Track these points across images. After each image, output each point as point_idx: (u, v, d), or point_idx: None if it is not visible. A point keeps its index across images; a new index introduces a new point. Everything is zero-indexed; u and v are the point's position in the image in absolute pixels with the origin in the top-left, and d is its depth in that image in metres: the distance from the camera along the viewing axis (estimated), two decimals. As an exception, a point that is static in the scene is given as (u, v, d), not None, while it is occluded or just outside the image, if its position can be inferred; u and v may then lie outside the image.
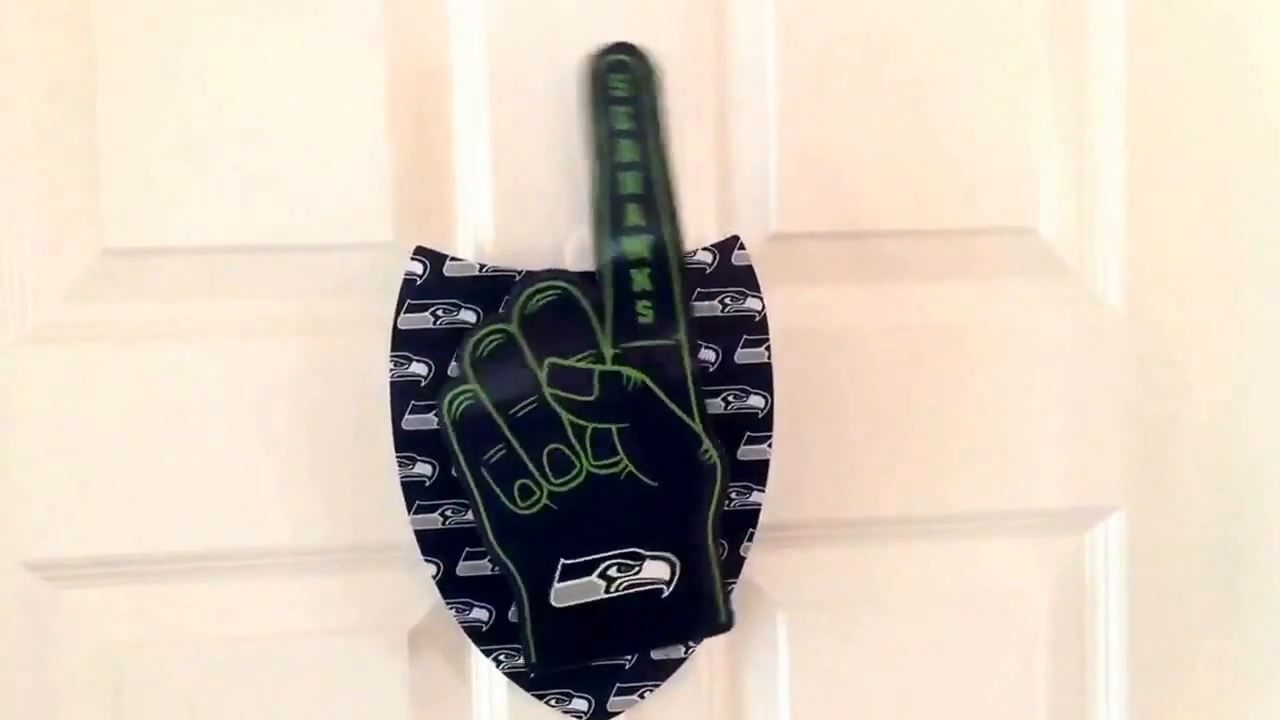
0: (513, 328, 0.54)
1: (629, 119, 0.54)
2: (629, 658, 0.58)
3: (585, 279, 0.55)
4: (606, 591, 0.55)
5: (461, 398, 0.54)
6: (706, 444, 0.55)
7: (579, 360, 0.54)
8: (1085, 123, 0.63)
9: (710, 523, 0.56)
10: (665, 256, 0.55)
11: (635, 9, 0.58)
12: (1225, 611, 0.66)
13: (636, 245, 0.55)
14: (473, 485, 0.54)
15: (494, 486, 0.54)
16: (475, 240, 0.58)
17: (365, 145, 0.57)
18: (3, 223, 0.56)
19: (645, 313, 0.55)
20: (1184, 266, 0.64)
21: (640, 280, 0.55)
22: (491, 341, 0.54)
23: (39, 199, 0.56)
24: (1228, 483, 0.65)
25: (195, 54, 0.56)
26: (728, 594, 0.57)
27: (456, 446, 0.54)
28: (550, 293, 0.54)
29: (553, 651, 0.56)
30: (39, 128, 0.56)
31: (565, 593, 0.55)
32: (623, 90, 0.54)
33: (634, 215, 0.55)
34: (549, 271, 0.55)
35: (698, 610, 0.56)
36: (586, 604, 0.55)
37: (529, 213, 0.58)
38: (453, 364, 0.55)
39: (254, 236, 0.57)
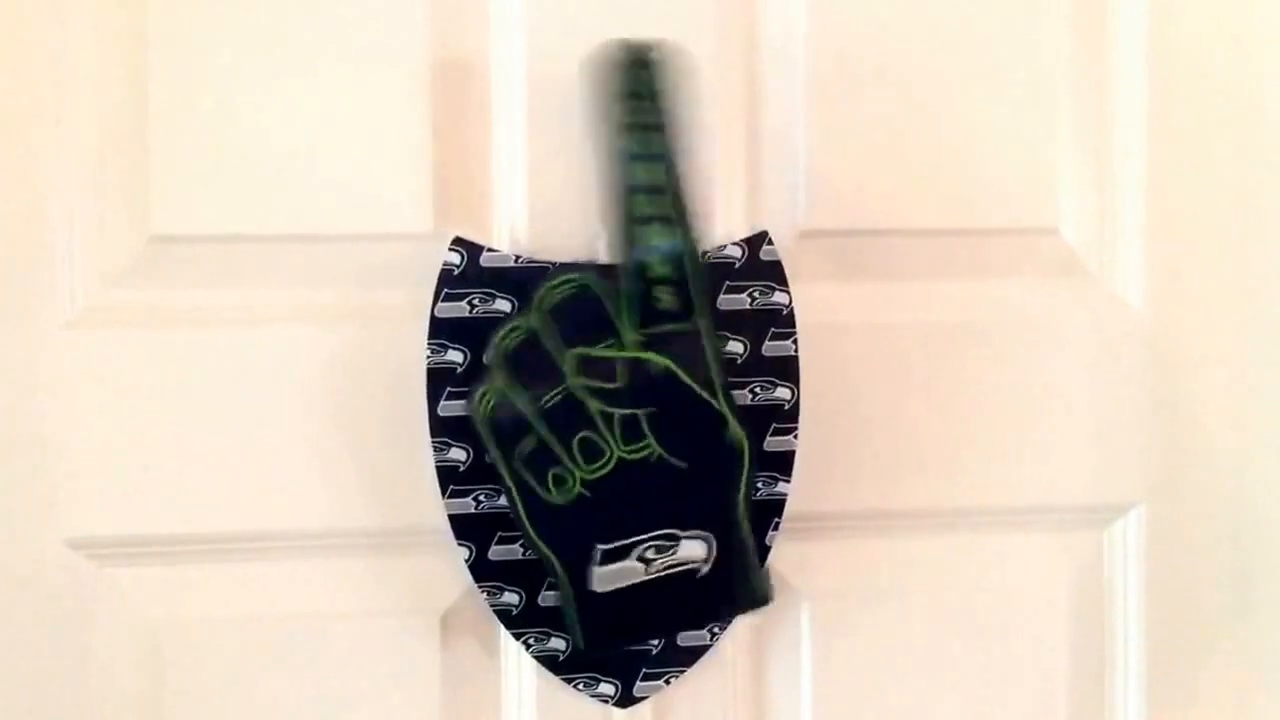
0: (535, 321, 0.55)
1: (634, 112, 0.55)
2: (656, 643, 0.59)
3: (604, 270, 0.56)
4: (646, 574, 0.56)
5: (490, 394, 0.55)
6: (732, 424, 0.56)
7: (602, 349, 0.55)
8: (1107, 125, 0.64)
9: (742, 500, 0.57)
10: (681, 243, 0.56)
11: (668, 7, 0.60)
12: (1244, 607, 0.66)
13: (653, 234, 0.55)
14: (508, 477, 0.55)
15: (528, 477, 0.55)
16: (511, 232, 0.60)
17: (407, 138, 0.59)
18: (53, 209, 0.57)
19: (664, 298, 0.56)
20: (1204, 267, 0.65)
21: (658, 267, 0.55)
22: (515, 337, 0.55)
23: (88, 186, 0.57)
24: (1246, 480, 0.66)
25: (243, 46, 0.58)
26: (765, 570, 0.58)
27: (490, 441, 0.55)
28: (568, 285, 0.56)
29: (599, 635, 0.57)
30: (90, 116, 0.57)
31: (606, 577, 0.56)
32: (626, 85, 0.55)
33: (648, 205, 0.55)
34: (567, 265, 0.57)
35: (737, 586, 0.57)
36: (628, 587, 0.56)
37: (565, 205, 0.59)
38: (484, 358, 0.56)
39: (297, 225, 0.59)
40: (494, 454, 0.55)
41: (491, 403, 0.55)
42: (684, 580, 0.57)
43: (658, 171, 0.55)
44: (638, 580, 0.56)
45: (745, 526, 0.57)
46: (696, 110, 0.57)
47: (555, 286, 0.56)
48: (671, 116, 0.56)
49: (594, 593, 0.56)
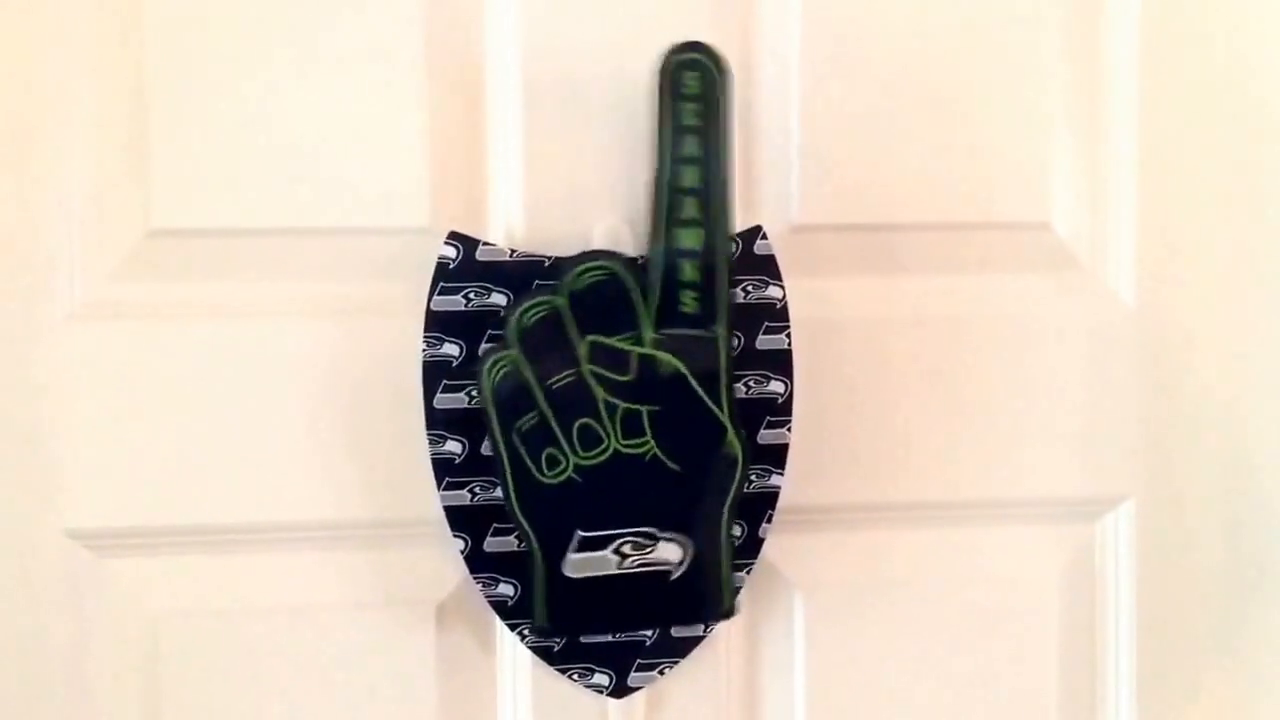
0: (560, 301, 0.56)
1: (696, 115, 0.56)
2: (649, 634, 0.60)
3: (634, 263, 0.57)
4: (619, 567, 0.57)
5: (502, 364, 0.56)
6: (731, 435, 0.57)
7: (619, 340, 0.56)
8: (1099, 120, 0.65)
9: (726, 512, 0.58)
10: (715, 251, 0.56)
11: (663, 2, 0.60)
12: (1234, 600, 0.67)
13: (689, 237, 0.56)
14: (503, 450, 0.56)
15: (523, 453, 0.56)
16: (507, 226, 0.60)
17: (404, 133, 0.59)
18: (53, 202, 0.58)
19: (689, 303, 0.56)
20: (1195, 262, 0.65)
21: (688, 271, 0.56)
22: (538, 313, 0.56)
23: (88, 180, 0.58)
24: (1236, 473, 0.66)
25: (242, 41, 0.58)
26: (735, 582, 0.59)
27: (493, 411, 0.56)
28: (600, 272, 0.56)
29: (561, 619, 0.58)
30: (89, 110, 0.58)
31: (579, 563, 0.57)
32: (693, 88, 0.56)
33: (690, 208, 0.56)
34: (601, 252, 0.57)
35: (704, 595, 0.58)
36: (598, 577, 0.57)
37: (559, 201, 0.60)
38: (503, 328, 0.56)
39: (295, 220, 0.59)
40: (494, 425, 0.56)
41: (502, 372, 0.55)
42: (654, 580, 0.57)
43: (700, 175, 0.56)
44: (609, 572, 0.57)
45: (724, 538, 0.58)
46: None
47: (587, 270, 0.56)
48: (717, 121, 0.56)
49: (565, 577, 0.57)
